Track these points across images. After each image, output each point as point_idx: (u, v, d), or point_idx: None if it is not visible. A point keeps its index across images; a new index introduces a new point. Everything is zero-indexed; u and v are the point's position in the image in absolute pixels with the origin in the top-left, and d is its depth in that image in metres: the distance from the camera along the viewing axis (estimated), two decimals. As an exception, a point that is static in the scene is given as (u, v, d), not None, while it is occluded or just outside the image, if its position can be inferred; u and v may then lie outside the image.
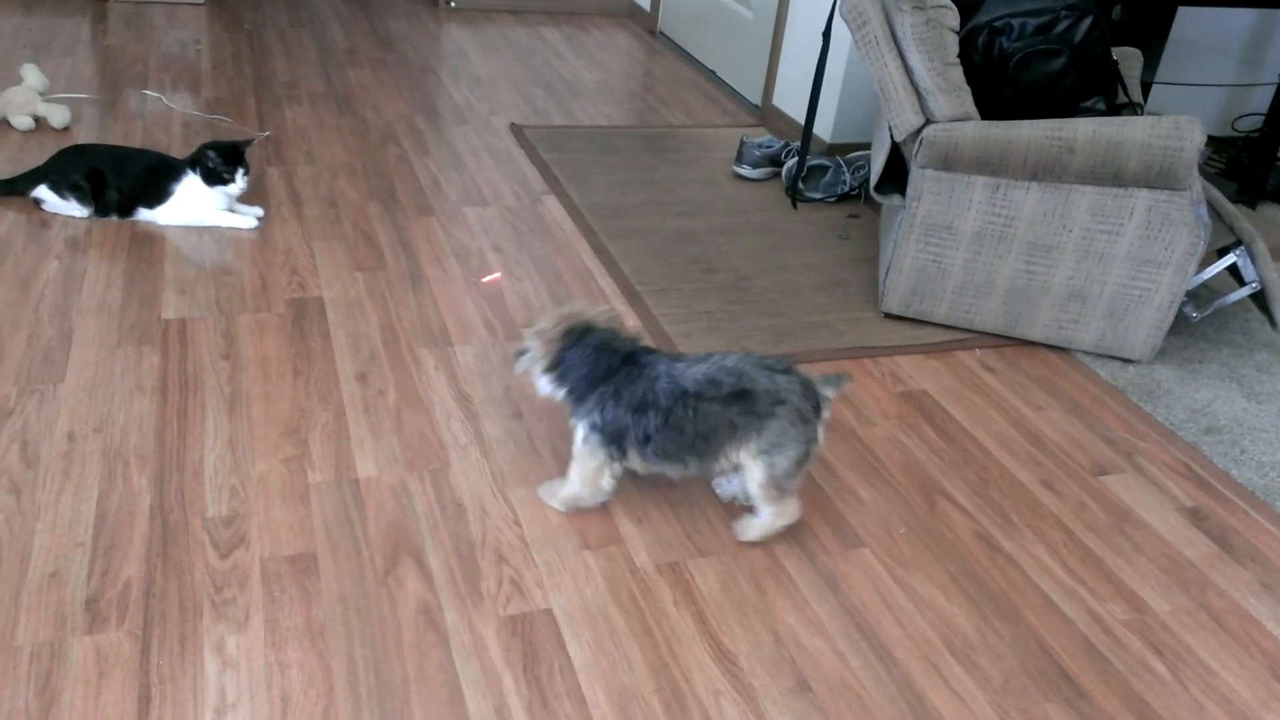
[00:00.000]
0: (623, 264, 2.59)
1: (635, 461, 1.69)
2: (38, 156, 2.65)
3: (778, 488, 1.65)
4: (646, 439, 1.64)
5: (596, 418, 1.66)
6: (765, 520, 1.71)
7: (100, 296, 2.21)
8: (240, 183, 2.53)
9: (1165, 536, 1.85)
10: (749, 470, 1.66)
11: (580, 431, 1.69)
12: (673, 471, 1.69)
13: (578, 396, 1.68)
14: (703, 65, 4.33)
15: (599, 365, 1.65)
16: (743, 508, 1.79)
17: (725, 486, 1.82)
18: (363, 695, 1.38)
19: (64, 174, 2.49)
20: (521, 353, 1.71)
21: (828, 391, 1.69)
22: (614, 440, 1.67)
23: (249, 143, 2.58)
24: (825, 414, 1.68)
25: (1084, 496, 1.93)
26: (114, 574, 1.52)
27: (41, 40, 3.72)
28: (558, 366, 1.67)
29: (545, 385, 1.70)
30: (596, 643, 1.50)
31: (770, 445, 1.63)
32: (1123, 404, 2.24)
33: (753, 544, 1.72)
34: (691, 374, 1.64)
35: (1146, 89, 3.24)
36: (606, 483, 1.71)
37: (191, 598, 1.49)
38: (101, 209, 2.52)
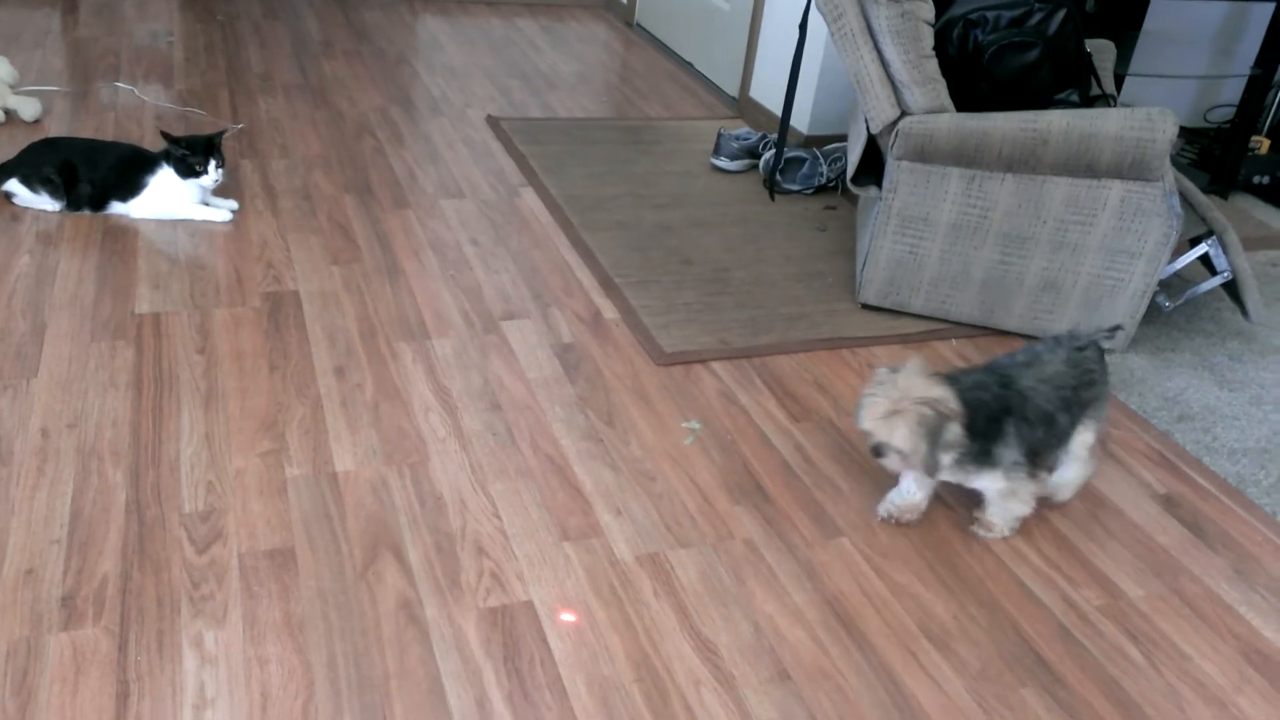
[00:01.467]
0: (601, 256, 2.59)
1: (1037, 477, 1.74)
2: (8, 150, 2.62)
3: (1100, 438, 1.82)
4: (1050, 446, 1.73)
5: (1016, 455, 1.67)
6: (1081, 475, 1.84)
7: (73, 291, 2.19)
8: (213, 174, 2.51)
9: (1139, 523, 1.87)
10: (1082, 437, 1.78)
11: (1000, 479, 1.69)
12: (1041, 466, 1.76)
13: (985, 437, 1.64)
14: (680, 57, 4.33)
15: (995, 398, 1.66)
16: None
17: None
18: (343, 689, 1.37)
19: (35, 168, 2.46)
20: (934, 447, 1.60)
21: (1108, 345, 1.81)
22: (1031, 459, 1.69)
23: (222, 134, 2.55)
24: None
25: (1059, 485, 1.95)
26: (90, 570, 1.51)
27: (11, 32, 3.67)
28: (973, 423, 1.62)
29: (949, 459, 1.63)
30: (577, 634, 1.51)
31: (1098, 409, 1.79)
32: (1097, 393, 2.26)
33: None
34: (1052, 375, 1.71)
35: (1120, 81, 3.27)
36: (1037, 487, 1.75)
37: (169, 593, 1.49)
38: (74, 203, 2.49)
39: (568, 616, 1.53)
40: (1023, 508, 1.75)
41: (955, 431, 1.59)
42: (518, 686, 1.41)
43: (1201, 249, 2.41)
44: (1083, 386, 1.73)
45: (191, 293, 2.23)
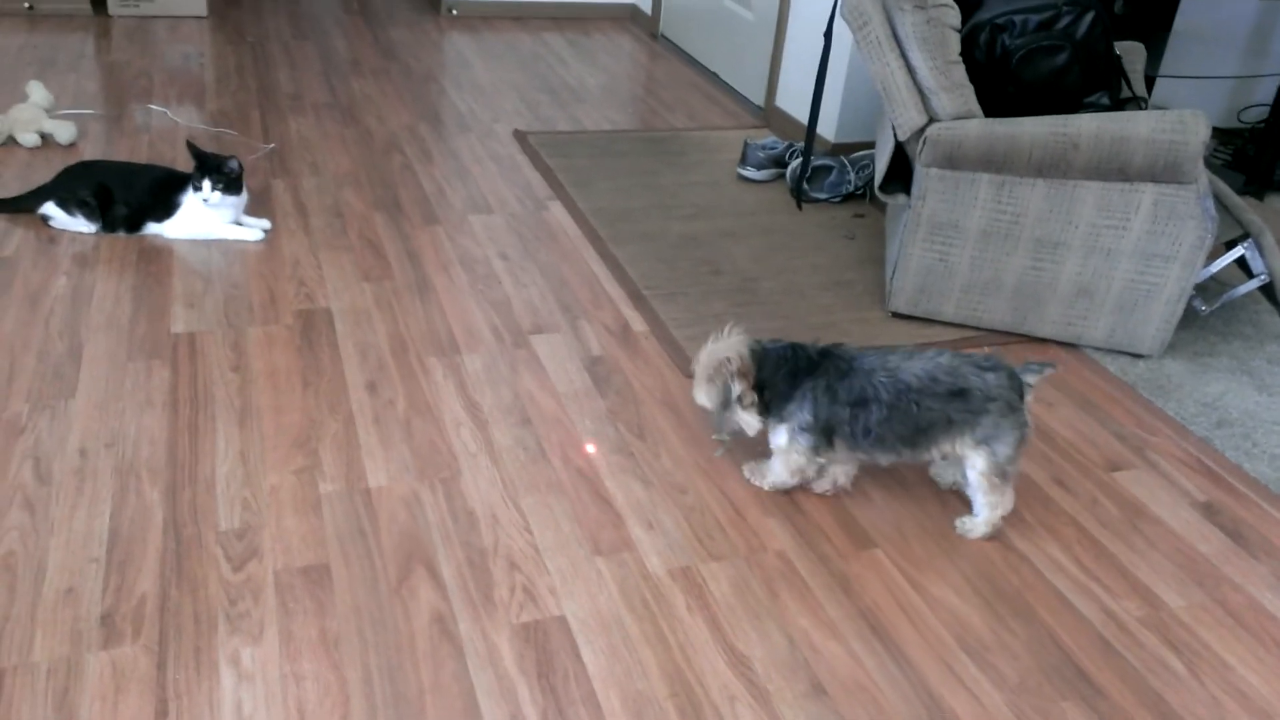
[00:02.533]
0: (629, 268, 2.59)
1: (841, 451, 1.77)
2: (44, 173, 2.66)
3: (1000, 474, 1.73)
4: (867, 431, 1.72)
5: (807, 417, 1.73)
6: (985, 514, 1.78)
7: (109, 311, 2.22)
8: (207, 192, 2.49)
9: (1179, 531, 1.84)
10: (970, 460, 1.74)
11: (784, 435, 1.77)
12: (884, 459, 1.78)
13: (782, 396, 1.74)
14: (705, 68, 4.33)
15: (799, 360, 1.74)
16: (957, 496, 1.90)
17: (943, 475, 1.92)
18: (378, 705, 1.38)
19: (71, 191, 2.50)
20: (726, 406, 1.75)
21: (1030, 379, 1.75)
22: (825, 434, 1.74)
23: (228, 159, 2.52)
24: (1028, 398, 1.74)
25: (1096, 493, 1.93)
26: (128, 589, 1.52)
27: (46, 57, 3.74)
28: (761, 379, 1.73)
29: (752, 417, 1.76)
30: (610, 649, 1.50)
31: (987, 436, 1.71)
32: (1133, 399, 2.23)
33: (984, 540, 1.81)
34: (911, 369, 1.71)
35: (1150, 82, 3.23)
36: (812, 469, 1.80)
37: (206, 611, 1.50)
38: (109, 225, 2.53)
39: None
40: (782, 474, 1.81)
41: (739, 388, 1.73)
42: (552, 703, 1.41)
43: (1238, 252, 2.37)
44: (951, 399, 1.69)
45: (226, 312, 2.26)
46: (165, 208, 2.54)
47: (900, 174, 2.49)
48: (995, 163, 2.22)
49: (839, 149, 3.34)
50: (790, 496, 1.85)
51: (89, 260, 2.42)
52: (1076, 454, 2.03)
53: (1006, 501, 1.77)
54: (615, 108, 3.79)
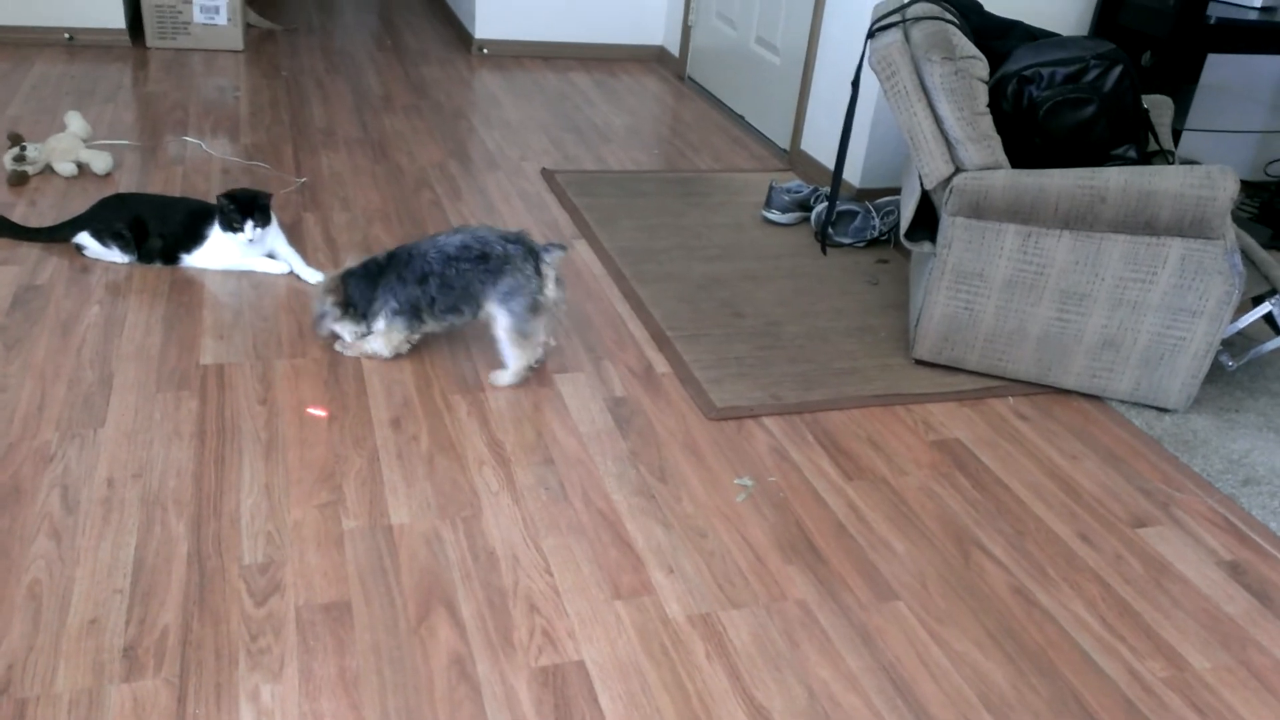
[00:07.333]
0: (652, 309, 2.61)
1: (431, 323, 2.21)
2: (80, 203, 2.71)
3: (519, 331, 2.15)
4: (433, 301, 2.17)
5: (393, 303, 2.17)
6: (513, 365, 2.19)
7: (140, 341, 2.25)
8: (249, 233, 2.52)
9: (1204, 591, 1.82)
10: (497, 317, 2.16)
11: (382, 321, 2.20)
12: (458, 321, 2.23)
13: (367, 298, 2.18)
14: (731, 110, 4.37)
15: (371, 268, 2.20)
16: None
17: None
18: (396, 747, 1.38)
19: (106, 222, 2.54)
20: (321, 317, 2.21)
21: (546, 257, 2.16)
22: (413, 313, 2.18)
23: (226, 200, 2.52)
24: (546, 270, 2.16)
25: (1121, 549, 1.91)
26: (151, 621, 1.53)
27: (84, 87, 3.81)
28: (348, 296, 2.18)
29: (349, 327, 2.22)
30: (628, 695, 1.50)
31: (505, 296, 2.13)
32: (1159, 454, 2.21)
33: (510, 387, 2.21)
34: (451, 242, 2.15)
35: (1177, 136, 3.23)
36: (405, 347, 2.26)
37: (227, 646, 1.50)
38: (145, 256, 2.56)
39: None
40: (382, 349, 2.23)
41: (329, 304, 2.19)
42: (570, 748, 1.40)
43: (1265, 308, 2.36)
44: (478, 263, 2.12)
45: (254, 344, 2.28)
46: (196, 238, 2.57)
47: (926, 222, 2.50)
48: (1021, 213, 2.22)
49: (864, 194, 3.36)
50: (811, 544, 1.84)
51: (121, 290, 2.46)
52: (1101, 509, 2.02)
53: (529, 354, 2.18)
54: (641, 148, 3.82)
